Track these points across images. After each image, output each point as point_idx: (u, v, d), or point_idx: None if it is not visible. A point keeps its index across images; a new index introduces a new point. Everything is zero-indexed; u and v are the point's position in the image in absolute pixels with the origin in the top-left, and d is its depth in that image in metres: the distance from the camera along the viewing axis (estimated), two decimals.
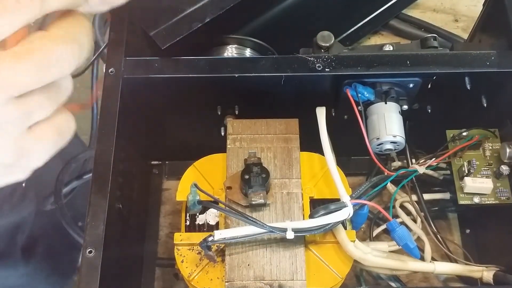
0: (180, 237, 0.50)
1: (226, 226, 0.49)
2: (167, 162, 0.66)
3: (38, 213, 0.68)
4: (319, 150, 0.51)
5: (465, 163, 0.54)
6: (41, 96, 0.28)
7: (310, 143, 0.52)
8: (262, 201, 0.48)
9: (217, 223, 0.50)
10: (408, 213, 0.58)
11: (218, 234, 0.45)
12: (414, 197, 0.58)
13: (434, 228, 0.57)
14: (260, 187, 0.48)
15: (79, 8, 0.30)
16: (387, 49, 0.55)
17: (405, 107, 0.53)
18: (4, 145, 0.28)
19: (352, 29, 0.71)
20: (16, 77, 0.26)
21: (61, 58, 0.27)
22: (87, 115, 0.73)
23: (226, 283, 0.47)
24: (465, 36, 0.71)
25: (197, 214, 0.51)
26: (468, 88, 0.51)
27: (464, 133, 0.55)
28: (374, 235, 0.61)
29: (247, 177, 0.48)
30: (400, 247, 0.50)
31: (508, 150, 0.52)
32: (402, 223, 0.54)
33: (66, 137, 0.31)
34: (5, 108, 0.27)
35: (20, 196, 0.63)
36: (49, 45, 0.27)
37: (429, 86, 0.52)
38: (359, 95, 0.50)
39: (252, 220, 0.45)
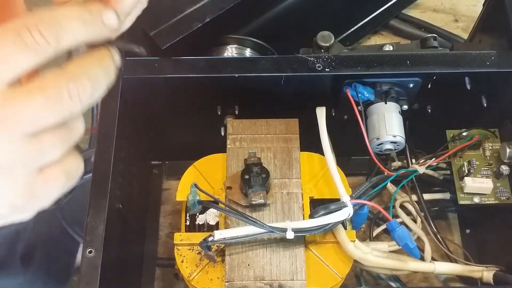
0: (180, 237, 0.50)
1: (226, 226, 0.49)
2: (167, 162, 0.66)
3: (37, 219, 0.68)
4: (319, 150, 0.51)
5: (465, 163, 0.54)
6: (53, 136, 0.28)
7: (310, 143, 0.52)
8: (262, 201, 0.48)
9: (217, 223, 0.50)
10: (408, 213, 0.58)
11: (218, 234, 0.45)
12: (414, 197, 0.57)
13: (434, 228, 0.57)
14: (260, 187, 0.48)
15: (111, 35, 0.30)
16: (387, 49, 0.55)
17: (405, 107, 0.53)
18: (15, 186, 0.28)
19: (352, 29, 0.71)
20: (27, 112, 0.26)
21: (73, 95, 0.27)
22: (87, 115, 0.73)
23: (226, 283, 0.47)
24: (465, 36, 0.71)
25: (197, 214, 0.51)
26: (468, 88, 0.51)
27: (464, 133, 0.55)
28: (374, 235, 0.61)
29: (247, 177, 0.48)
30: (400, 247, 0.50)
31: (508, 150, 0.52)
32: (402, 223, 0.54)
33: (74, 180, 0.30)
34: (18, 147, 0.27)
35: None
36: (62, 82, 0.27)
37: (429, 86, 0.52)
38: (359, 95, 0.50)
39: (252, 220, 0.45)
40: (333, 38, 0.54)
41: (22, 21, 0.26)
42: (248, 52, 0.59)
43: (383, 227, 0.60)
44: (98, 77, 0.29)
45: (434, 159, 0.54)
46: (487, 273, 0.53)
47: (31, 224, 0.68)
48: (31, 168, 0.28)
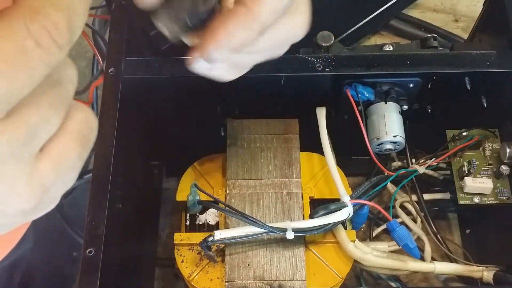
0: (180, 237, 0.50)
1: (226, 226, 0.49)
2: (167, 162, 0.66)
3: (35, 247, 0.67)
4: (319, 150, 0.51)
5: (465, 163, 0.54)
6: (38, 104, 0.20)
7: (310, 143, 0.52)
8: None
9: (217, 223, 0.50)
10: (408, 213, 0.58)
11: (218, 234, 0.45)
12: (414, 197, 0.57)
13: (434, 228, 0.57)
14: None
15: None
16: (387, 49, 0.55)
17: (405, 107, 0.53)
18: (16, 190, 0.21)
19: (352, 29, 0.71)
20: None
21: (43, 40, 0.19)
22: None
23: (226, 283, 0.47)
24: (465, 36, 0.71)
25: (197, 214, 0.51)
26: (468, 88, 0.51)
27: (464, 133, 0.55)
28: (374, 235, 0.61)
29: None
30: (400, 247, 0.50)
31: (508, 150, 0.52)
32: (402, 223, 0.54)
33: (91, 139, 0.23)
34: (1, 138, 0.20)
35: (20, 239, 0.62)
36: (19, 26, 0.19)
37: (429, 86, 0.51)
38: (359, 95, 0.50)
39: (252, 220, 0.45)
40: (333, 38, 0.54)
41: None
42: None
43: (383, 227, 0.60)
44: None
45: (434, 159, 0.54)
46: (487, 273, 0.53)
47: (29, 253, 0.67)
48: (27, 157, 0.21)
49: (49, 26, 0.20)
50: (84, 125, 0.23)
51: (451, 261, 0.56)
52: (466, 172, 0.53)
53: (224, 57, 0.31)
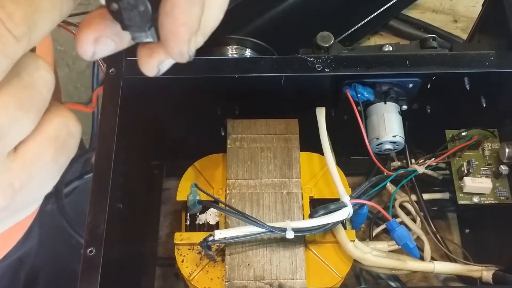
0: (180, 237, 0.50)
1: (226, 226, 0.49)
2: (167, 162, 0.66)
3: (40, 245, 0.67)
4: (319, 150, 0.51)
5: (465, 163, 0.54)
6: (7, 104, 0.21)
7: (310, 143, 0.52)
8: (150, 39, 0.27)
9: (217, 223, 0.50)
10: (408, 213, 0.58)
11: (218, 234, 0.45)
12: (414, 197, 0.58)
13: (433, 227, 0.57)
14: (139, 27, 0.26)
15: None
16: (386, 49, 0.55)
17: (405, 107, 0.53)
18: None
19: (352, 29, 0.71)
20: None
21: None
22: (88, 115, 0.73)
23: (226, 283, 0.47)
24: (465, 36, 0.71)
25: (197, 214, 0.51)
26: (468, 88, 0.51)
27: (464, 133, 0.55)
28: (373, 234, 0.61)
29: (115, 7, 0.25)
30: (400, 246, 0.50)
31: (507, 150, 0.52)
32: (402, 223, 0.54)
33: (70, 144, 0.23)
34: None
35: (25, 234, 0.62)
36: None
37: (429, 86, 0.52)
38: (359, 95, 0.50)
39: (252, 220, 0.45)
40: (333, 38, 0.54)
41: None
42: (248, 53, 0.59)
43: (383, 226, 0.60)
44: None
45: (433, 159, 0.54)
46: (486, 273, 0.53)
47: (34, 250, 0.67)
48: None
49: (3, 16, 0.20)
50: (62, 129, 0.23)
51: (451, 261, 0.56)
52: (466, 172, 0.53)
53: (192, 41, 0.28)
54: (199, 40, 0.30)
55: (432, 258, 0.55)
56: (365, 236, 0.62)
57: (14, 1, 0.20)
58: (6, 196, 0.22)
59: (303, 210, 0.50)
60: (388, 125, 0.51)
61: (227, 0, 0.29)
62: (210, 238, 0.45)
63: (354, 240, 0.49)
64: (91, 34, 0.25)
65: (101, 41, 0.25)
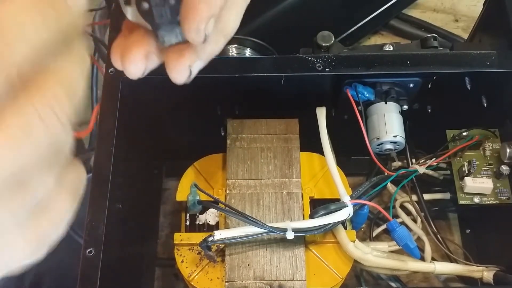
0: (180, 237, 0.50)
1: (226, 226, 0.49)
2: (167, 162, 0.66)
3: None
4: (319, 150, 0.51)
5: (465, 163, 0.53)
6: (41, 171, 0.21)
7: (310, 143, 0.52)
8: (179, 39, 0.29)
9: (217, 223, 0.50)
10: (408, 213, 0.58)
11: (218, 234, 0.45)
12: (414, 197, 0.57)
13: (434, 228, 0.57)
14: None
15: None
16: (387, 49, 0.55)
17: (405, 107, 0.53)
18: (16, 248, 0.23)
19: (352, 29, 0.71)
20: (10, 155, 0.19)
21: (46, 115, 0.20)
22: (87, 115, 0.73)
23: (226, 283, 0.47)
24: (465, 36, 0.71)
25: (197, 214, 0.51)
26: (468, 88, 0.51)
27: (464, 133, 0.55)
28: (374, 235, 0.61)
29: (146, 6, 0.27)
30: (400, 247, 0.50)
31: (508, 150, 0.52)
32: (402, 223, 0.54)
33: (81, 191, 0.24)
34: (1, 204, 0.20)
35: None
36: (27, 107, 0.20)
37: (429, 86, 0.51)
38: (359, 95, 0.50)
39: (252, 220, 0.45)
40: (333, 38, 0.54)
41: None
42: (248, 52, 0.59)
43: (383, 227, 0.60)
44: (69, 69, 0.20)
45: (434, 159, 0.54)
46: (487, 273, 0.53)
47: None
48: (23, 218, 0.22)
49: (53, 104, 0.20)
50: (78, 180, 0.24)
51: (451, 261, 0.56)
52: (466, 172, 0.53)
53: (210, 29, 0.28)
54: (221, 41, 0.31)
55: (433, 259, 0.55)
56: (365, 237, 0.62)
57: (61, 85, 0.20)
58: (33, 250, 0.24)
59: (303, 210, 0.50)
60: (388, 125, 0.51)
61: (245, 5, 0.30)
62: (210, 239, 0.45)
63: (355, 241, 0.49)
64: (142, 51, 0.26)
65: (150, 58, 0.27)
